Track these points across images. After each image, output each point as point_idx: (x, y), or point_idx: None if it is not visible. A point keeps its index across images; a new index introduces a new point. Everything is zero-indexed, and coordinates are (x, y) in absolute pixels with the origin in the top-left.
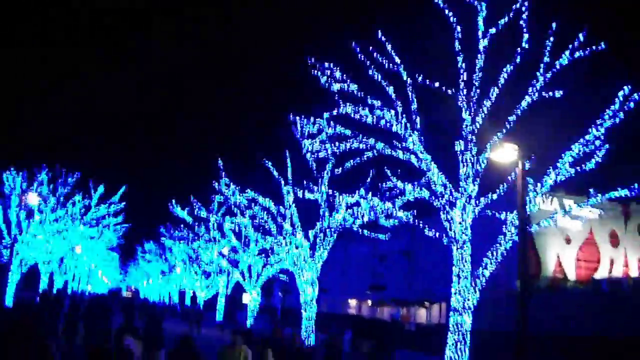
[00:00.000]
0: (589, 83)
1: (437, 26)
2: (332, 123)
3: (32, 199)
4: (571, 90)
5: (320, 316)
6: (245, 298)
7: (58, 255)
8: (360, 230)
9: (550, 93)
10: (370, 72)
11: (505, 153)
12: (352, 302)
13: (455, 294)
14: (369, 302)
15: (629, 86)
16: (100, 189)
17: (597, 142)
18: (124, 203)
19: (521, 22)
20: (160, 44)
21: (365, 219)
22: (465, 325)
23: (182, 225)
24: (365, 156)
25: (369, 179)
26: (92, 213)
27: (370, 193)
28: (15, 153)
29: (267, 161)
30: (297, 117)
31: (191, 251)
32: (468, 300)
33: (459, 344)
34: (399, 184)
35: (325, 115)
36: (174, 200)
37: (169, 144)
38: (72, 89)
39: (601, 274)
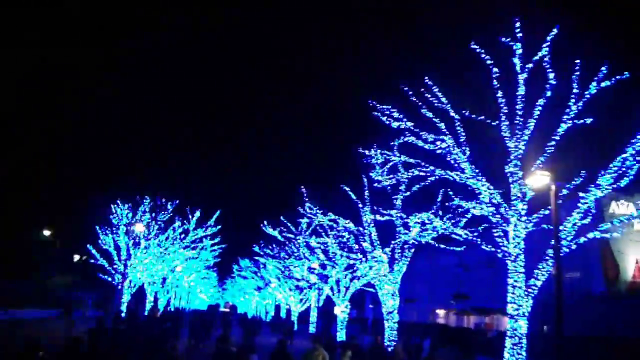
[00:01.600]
0: (618, 109)
1: (479, 66)
2: (397, 153)
3: (139, 228)
4: (602, 117)
5: (409, 325)
6: (336, 310)
7: (161, 275)
8: (435, 244)
9: (582, 120)
10: (423, 110)
11: (538, 179)
12: (440, 312)
13: (510, 302)
14: (454, 311)
15: None
16: (197, 214)
17: (630, 160)
18: (219, 226)
19: (544, 64)
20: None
21: (434, 235)
22: (521, 329)
23: (273, 244)
24: (428, 180)
25: (439, 199)
26: (191, 236)
27: (441, 211)
28: (116, 184)
29: (345, 186)
30: (366, 150)
31: (283, 267)
32: (522, 307)
33: (515, 347)
34: (463, 204)
35: (390, 144)
36: (265, 221)
37: (256, 168)
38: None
39: None
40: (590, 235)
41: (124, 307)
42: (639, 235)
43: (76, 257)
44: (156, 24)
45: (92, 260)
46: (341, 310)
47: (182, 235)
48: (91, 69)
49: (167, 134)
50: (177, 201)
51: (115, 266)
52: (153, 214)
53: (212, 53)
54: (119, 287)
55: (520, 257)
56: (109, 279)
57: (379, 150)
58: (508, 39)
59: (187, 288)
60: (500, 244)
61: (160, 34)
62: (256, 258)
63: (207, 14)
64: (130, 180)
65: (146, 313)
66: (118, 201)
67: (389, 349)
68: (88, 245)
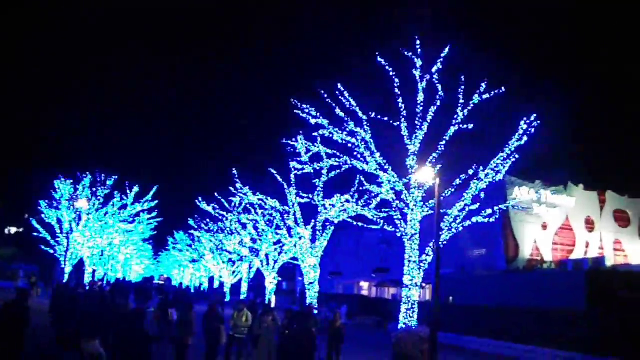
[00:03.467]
0: (496, 117)
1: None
2: (317, 144)
3: (82, 203)
4: (482, 124)
5: (333, 295)
6: (266, 282)
7: (100, 248)
8: (354, 222)
9: (466, 125)
10: (337, 110)
11: (424, 173)
12: (364, 284)
13: (405, 274)
14: (374, 283)
15: (534, 116)
16: (135, 189)
17: (501, 159)
18: (156, 201)
19: (436, 77)
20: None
21: (350, 214)
22: (413, 297)
23: (208, 219)
24: (343, 168)
25: (355, 185)
26: (129, 211)
27: (357, 195)
28: (55, 159)
29: (272, 170)
30: (290, 141)
31: (217, 241)
32: (415, 278)
33: (408, 311)
34: (372, 189)
35: (313, 134)
36: (200, 197)
37: (192, 146)
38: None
39: (577, 255)
40: (475, 219)
41: (66, 278)
42: (537, 218)
43: (13, 230)
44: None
45: (35, 234)
46: (270, 282)
47: (121, 210)
48: (34, 40)
49: (106, 107)
50: (116, 177)
51: (57, 239)
52: (93, 189)
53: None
54: (62, 259)
55: (415, 237)
56: (51, 251)
57: (301, 141)
58: (410, 53)
59: (123, 261)
60: (399, 225)
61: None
62: (191, 232)
63: None
64: (69, 155)
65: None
66: (61, 176)
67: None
68: (30, 219)
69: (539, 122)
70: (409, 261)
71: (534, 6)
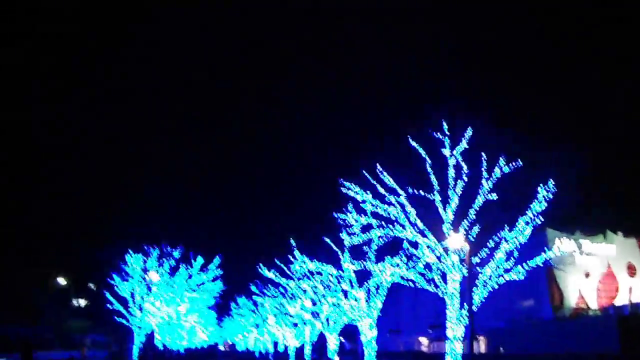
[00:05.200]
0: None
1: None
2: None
3: (153, 276)
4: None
5: (392, 354)
6: (329, 343)
7: (168, 317)
8: (402, 283)
9: (491, 196)
10: (379, 187)
11: (455, 240)
12: (424, 340)
13: (449, 329)
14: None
15: (551, 182)
16: (200, 259)
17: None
18: (219, 270)
19: (462, 155)
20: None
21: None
22: (456, 350)
23: (269, 284)
24: (390, 236)
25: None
26: (194, 280)
27: (405, 258)
28: (125, 234)
29: (327, 239)
30: (341, 214)
31: (279, 306)
32: (457, 332)
33: None
34: (417, 253)
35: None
36: (261, 264)
37: (253, 218)
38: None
39: (622, 301)
40: (508, 276)
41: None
42: (579, 267)
43: (82, 302)
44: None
45: (108, 305)
46: (332, 343)
47: (187, 280)
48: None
49: (172, 187)
50: (182, 247)
51: (129, 309)
52: (161, 261)
53: (210, 115)
54: (135, 329)
55: (455, 295)
56: (124, 322)
57: (351, 214)
58: (439, 134)
59: (189, 328)
60: (439, 285)
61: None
62: (253, 297)
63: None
64: (138, 230)
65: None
66: (130, 251)
67: None
68: (103, 291)
69: (555, 188)
70: (451, 317)
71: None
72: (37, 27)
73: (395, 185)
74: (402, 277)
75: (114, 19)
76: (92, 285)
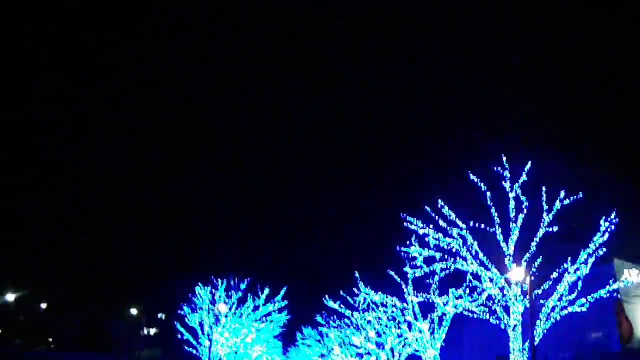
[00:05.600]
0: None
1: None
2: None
3: (222, 308)
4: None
5: None
6: None
7: (236, 347)
8: (465, 314)
9: (552, 228)
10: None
11: (517, 273)
12: None
13: None
14: None
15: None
16: (266, 291)
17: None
18: (286, 301)
19: (521, 189)
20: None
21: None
22: None
23: (334, 315)
24: (452, 269)
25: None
26: (261, 311)
27: (468, 290)
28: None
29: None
30: (404, 248)
31: (344, 336)
32: None
33: None
34: (479, 285)
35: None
36: (327, 296)
37: (318, 250)
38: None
39: None
40: (571, 309)
41: None
42: None
43: (152, 331)
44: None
45: (179, 336)
46: None
47: (254, 311)
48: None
49: (239, 220)
50: (250, 279)
51: (199, 340)
52: (228, 293)
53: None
54: (205, 358)
55: (518, 326)
56: (194, 351)
57: (414, 247)
58: (499, 168)
59: (255, 357)
60: (502, 317)
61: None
62: (319, 328)
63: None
64: (206, 262)
65: None
66: (199, 283)
67: None
68: (174, 322)
69: (620, 219)
70: (513, 349)
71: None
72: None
73: (456, 219)
74: (465, 310)
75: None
76: (162, 316)
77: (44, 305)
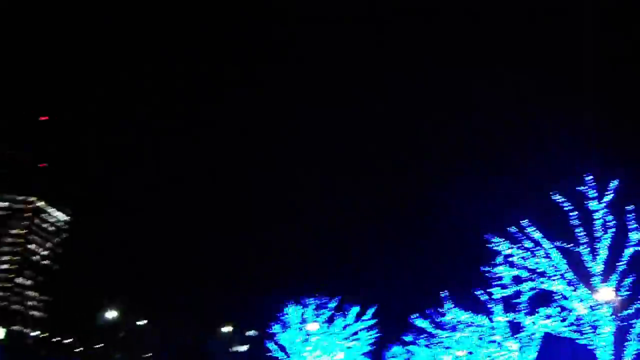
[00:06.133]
0: None
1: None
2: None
3: (312, 326)
4: None
5: None
6: None
7: None
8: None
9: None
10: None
11: (605, 294)
12: None
13: None
14: None
15: None
16: (355, 309)
17: None
18: (375, 319)
19: (607, 208)
20: None
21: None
22: None
23: (423, 334)
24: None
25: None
26: (350, 329)
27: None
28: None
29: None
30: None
31: (432, 355)
32: None
33: None
34: (567, 304)
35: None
36: (415, 314)
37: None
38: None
39: None
40: None
41: None
42: None
43: (243, 348)
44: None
45: (269, 354)
46: None
47: (343, 329)
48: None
49: (325, 238)
50: (339, 297)
51: (289, 358)
52: (318, 312)
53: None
54: None
55: (607, 348)
56: None
57: (501, 267)
58: (584, 188)
59: None
60: (588, 337)
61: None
62: (408, 347)
63: None
64: (296, 281)
65: None
66: (289, 302)
67: None
68: (266, 340)
69: None
70: None
71: None
72: None
73: (542, 238)
74: (553, 329)
75: None
76: (252, 333)
77: (142, 322)
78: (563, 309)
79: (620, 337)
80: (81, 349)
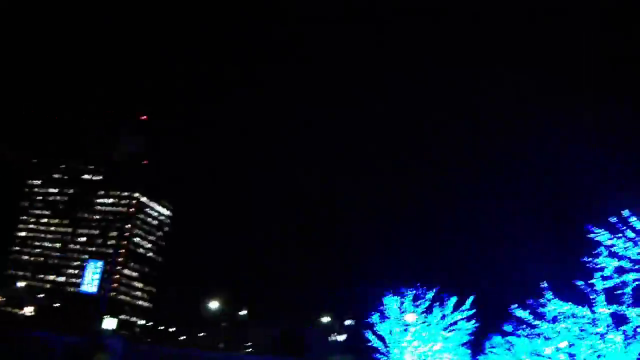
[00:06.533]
0: None
1: None
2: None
3: (410, 317)
4: None
5: None
6: None
7: (425, 355)
8: None
9: None
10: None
11: None
12: None
13: None
14: None
15: None
16: (453, 299)
17: None
18: (473, 309)
19: None
20: None
21: None
22: None
23: (523, 324)
24: None
25: None
26: (448, 320)
27: None
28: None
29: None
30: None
31: (534, 346)
32: None
33: None
34: None
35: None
36: (516, 304)
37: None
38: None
39: None
40: None
41: None
42: None
43: (341, 338)
44: None
45: (369, 344)
46: None
47: (441, 319)
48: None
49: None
50: (438, 287)
51: (388, 348)
52: (416, 302)
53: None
54: None
55: None
56: (384, 358)
57: (603, 257)
58: None
59: None
60: None
61: None
62: (507, 337)
63: None
64: (395, 272)
65: None
66: (388, 293)
67: None
68: (364, 331)
69: None
70: None
71: None
72: None
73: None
74: None
75: None
76: (350, 322)
77: (243, 313)
78: None
79: None
80: (184, 337)
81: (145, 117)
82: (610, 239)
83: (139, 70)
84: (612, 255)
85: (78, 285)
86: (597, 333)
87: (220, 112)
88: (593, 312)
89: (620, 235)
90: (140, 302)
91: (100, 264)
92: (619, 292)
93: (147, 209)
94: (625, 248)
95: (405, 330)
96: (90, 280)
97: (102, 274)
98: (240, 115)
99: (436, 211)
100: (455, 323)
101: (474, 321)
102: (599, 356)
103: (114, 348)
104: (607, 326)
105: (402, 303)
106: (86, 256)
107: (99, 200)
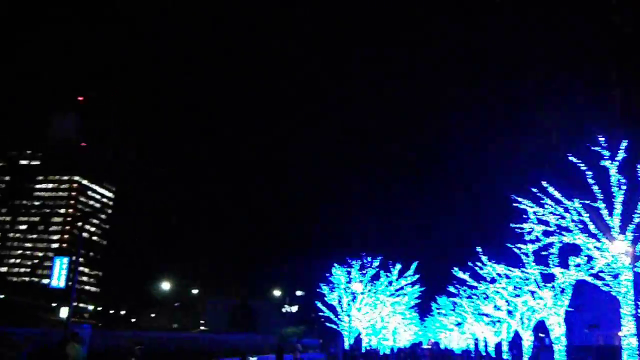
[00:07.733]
0: None
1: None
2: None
3: (357, 286)
4: None
5: (589, 348)
6: (524, 340)
7: (372, 321)
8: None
9: None
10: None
11: (617, 246)
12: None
13: (623, 326)
14: None
15: None
16: (398, 266)
17: None
18: (417, 275)
19: (618, 166)
20: None
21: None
22: (631, 345)
23: (465, 286)
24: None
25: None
26: (394, 286)
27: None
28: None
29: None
30: (518, 225)
31: (476, 306)
32: (630, 329)
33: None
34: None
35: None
36: (456, 267)
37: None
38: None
39: None
40: None
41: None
42: None
43: (294, 309)
44: None
45: (320, 313)
46: (526, 339)
47: (387, 285)
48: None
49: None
50: (382, 256)
51: (338, 317)
52: (362, 272)
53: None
54: (345, 333)
55: (628, 293)
56: (334, 327)
57: (528, 223)
58: (598, 148)
59: (392, 329)
60: (611, 284)
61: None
62: (452, 298)
63: None
64: (341, 243)
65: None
66: (335, 264)
67: None
68: (314, 301)
69: None
70: (624, 314)
71: None
72: None
73: (562, 197)
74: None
75: None
76: (302, 293)
77: (195, 291)
78: (590, 259)
79: (634, 285)
80: (134, 320)
81: (82, 98)
82: (532, 207)
83: (77, 50)
84: (539, 222)
85: (22, 275)
86: (528, 291)
87: (161, 89)
88: (524, 272)
89: (543, 202)
90: (87, 287)
91: (66, 260)
92: (546, 253)
93: (88, 192)
94: (550, 214)
95: (354, 299)
96: (59, 277)
97: (69, 268)
98: (179, 92)
99: (378, 183)
100: (401, 288)
101: (418, 286)
102: (532, 312)
103: (82, 336)
104: (537, 284)
105: (349, 273)
106: (28, 244)
107: (38, 186)
